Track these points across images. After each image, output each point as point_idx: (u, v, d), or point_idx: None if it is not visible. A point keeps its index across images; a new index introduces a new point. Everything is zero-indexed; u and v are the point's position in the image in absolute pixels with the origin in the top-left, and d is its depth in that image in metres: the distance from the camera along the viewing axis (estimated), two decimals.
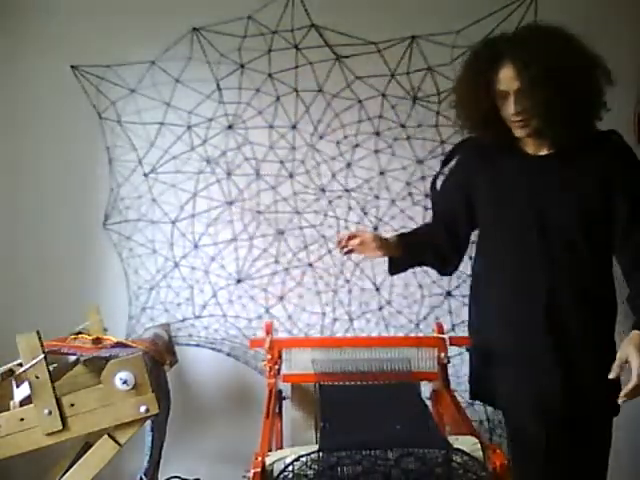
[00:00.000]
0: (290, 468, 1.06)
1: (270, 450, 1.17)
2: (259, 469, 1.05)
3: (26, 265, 2.11)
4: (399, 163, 2.10)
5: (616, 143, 1.45)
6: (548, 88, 1.29)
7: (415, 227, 1.83)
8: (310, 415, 1.57)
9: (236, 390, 2.15)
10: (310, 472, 1.08)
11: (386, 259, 1.60)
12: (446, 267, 1.64)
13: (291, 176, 2.11)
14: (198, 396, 2.15)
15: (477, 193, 1.52)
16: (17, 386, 1.29)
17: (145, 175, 2.11)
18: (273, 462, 1.09)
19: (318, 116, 2.09)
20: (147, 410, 1.25)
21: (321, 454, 1.09)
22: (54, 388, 1.23)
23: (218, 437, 2.15)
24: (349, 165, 2.11)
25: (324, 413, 1.32)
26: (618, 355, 1.27)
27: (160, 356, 1.56)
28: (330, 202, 2.12)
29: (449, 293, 2.12)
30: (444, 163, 1.65)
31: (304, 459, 1.08)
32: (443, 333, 1.71)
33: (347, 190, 2.12)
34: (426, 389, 1.67)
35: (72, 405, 1.23)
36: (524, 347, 1.44)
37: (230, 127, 2.10)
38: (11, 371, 1.25)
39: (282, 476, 1.06)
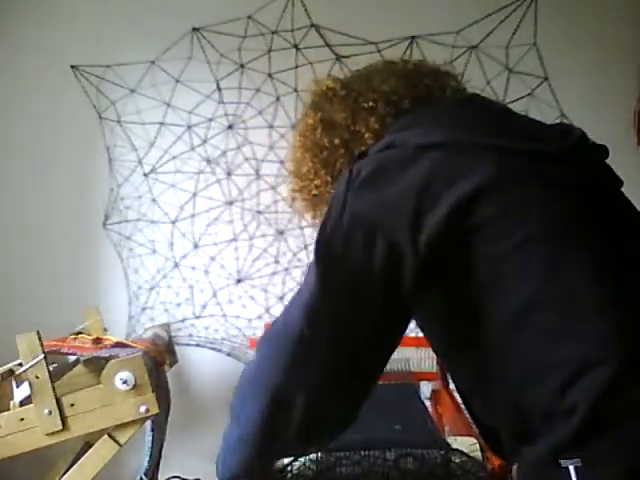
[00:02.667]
0: (289, 469, 1.06)
1: None
2: None
3: (26, 265, 2.11)
4: None
5: None
6: None
7: None
8: None
9: None
10: (309, 472, 1.08)
11: None
12: None
13: None
14: (198, 396, 2.15)
15: None
16: (17, 386, 1.29)
17: (145, 175, 2.12)
18: None
19: None
20: (147, 410, 1.24)
21: (320, 454, 1.09)
22: (54, 388, 1.22)
23: (218, 437, 2.13)
24: None
25: None
26: None
27: (160, 356, 1.55)
28: None
29: None
30: None
31: (303, 460, 1.08)
32: None
33: None
34: (425, 389, 1.67)
35: (72, 405, 1.23)
36: None
37: (230, 127, 2.10)
38: (11, 371, 1.25)
39: (280, 476, 1.06)
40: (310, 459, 1.08)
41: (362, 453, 1.08)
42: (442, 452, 1.05)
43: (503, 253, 0.73)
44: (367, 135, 0.89)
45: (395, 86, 0.90)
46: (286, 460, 1.06)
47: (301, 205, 1.00)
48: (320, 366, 0.77)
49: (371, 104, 0.89)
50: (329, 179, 0.92)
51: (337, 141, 0.91)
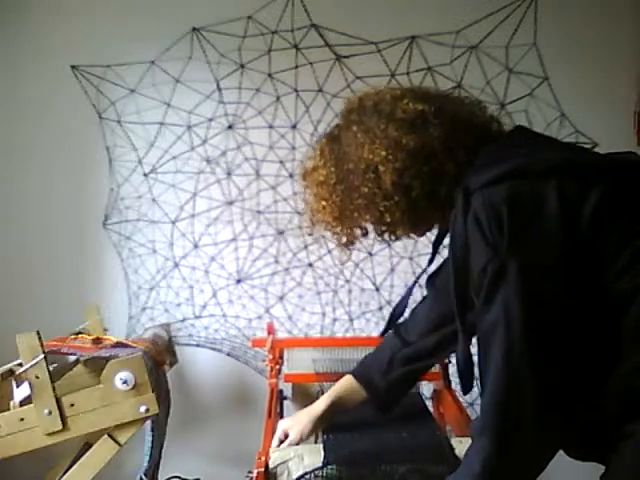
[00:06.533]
0: None
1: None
2: (262, 469, 1.06)
3: (26, 265, 2.11)
4: None
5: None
6: None
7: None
8: None
9: (236, 390, 2.15)
10: None
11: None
12: None
13: (291, 176, 2.11)
14: (198, 396, 2.15)
15: None
16: (17, 386, 1.29)
17: (145, 175, 2.11)
18: (277, 465, 1.09)
19: (318, 116, 2.08)
20: (147, 410, 1.24)
21: (325, 470, 1.07)
22: (54, 388, 1.22)
23: (218, 437, 2.15)
24: None
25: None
26: None
27: (160, 356, 1.55)
28: None
29: None
30: None
31: (308, 476, 1.07)
32: None
33: None
34: (426, 389, 1.66)
35: (72, 405, 1.23)
36: None
37: (230, 127, 2.10)
38: (11, 371, 1.25)
39: None
40: (315, 475, 1.07)
41: (369, 468, 1.07)
42: (450, 468, 1.04)
43: (635, 249, 0.81)
44: (461, 155, 0.91)
45: (475, 114, 0.97)
46: (294, 475, 1.06)
47: (347, 237, 1.02)
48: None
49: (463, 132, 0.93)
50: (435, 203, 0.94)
51: (450, 166, 0.91)
